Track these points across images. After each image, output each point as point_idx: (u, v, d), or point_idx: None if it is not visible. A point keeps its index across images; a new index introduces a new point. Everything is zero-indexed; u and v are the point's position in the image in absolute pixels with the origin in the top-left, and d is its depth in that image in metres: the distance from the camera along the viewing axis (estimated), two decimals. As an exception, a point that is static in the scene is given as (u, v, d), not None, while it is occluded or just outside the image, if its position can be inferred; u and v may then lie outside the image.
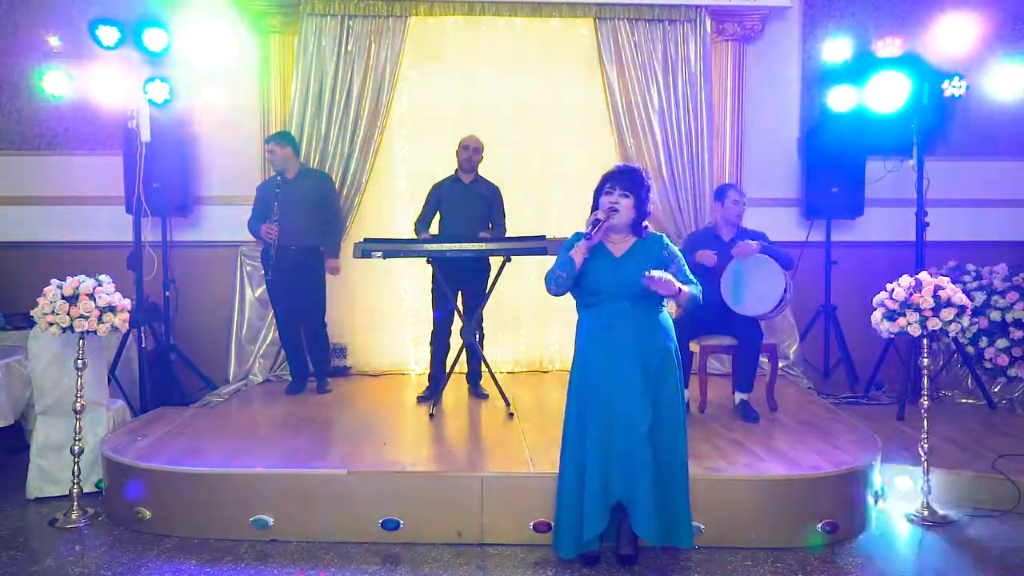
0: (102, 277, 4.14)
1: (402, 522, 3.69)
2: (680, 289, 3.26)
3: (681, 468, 3.40)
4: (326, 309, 5.59)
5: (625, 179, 3.36)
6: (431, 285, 5.28)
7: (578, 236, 3.40)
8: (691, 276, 3.44)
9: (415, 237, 5.27)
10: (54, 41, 5.23)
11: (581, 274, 3.34)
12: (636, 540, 3.42)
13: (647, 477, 3.27)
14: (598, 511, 3.29)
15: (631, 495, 3.29)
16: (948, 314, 3.93)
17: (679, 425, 3.39)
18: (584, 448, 3.33)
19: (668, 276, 3.23)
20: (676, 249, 3.45)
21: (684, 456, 3.42)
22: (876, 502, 4.00)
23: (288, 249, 5.29)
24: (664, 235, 3.51)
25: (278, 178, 5.38)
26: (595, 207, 3.40)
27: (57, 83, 5.18)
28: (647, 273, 3.21)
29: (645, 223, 3.43)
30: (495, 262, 5.04)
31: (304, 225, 5.33)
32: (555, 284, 3.36)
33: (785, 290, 4.72)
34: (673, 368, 3.40)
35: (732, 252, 4.73)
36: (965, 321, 3.97)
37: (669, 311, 3.53)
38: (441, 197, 5.33)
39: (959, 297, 3.96)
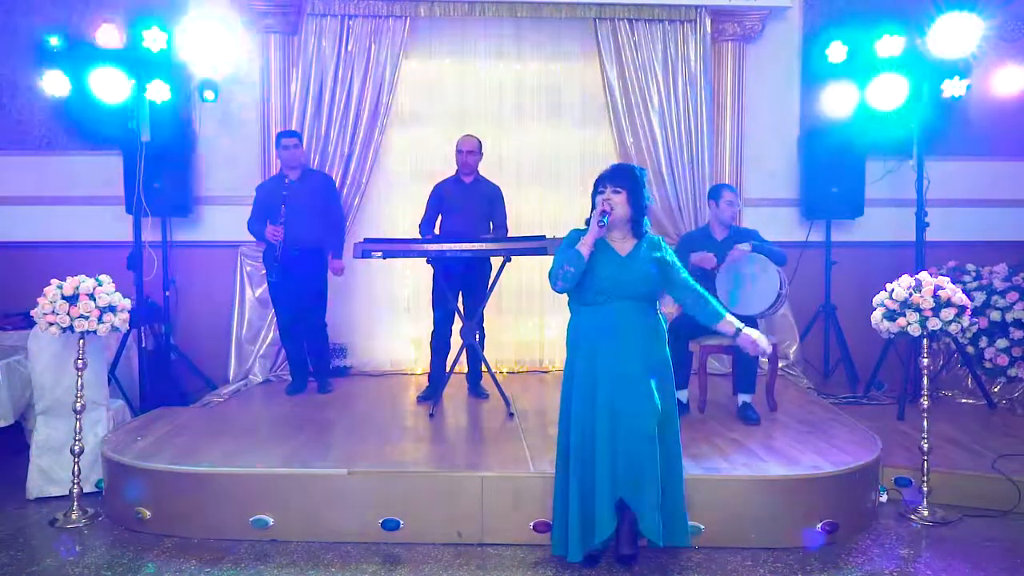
0: (102, 277, 4.14)
1: (402, 522, 3.69)
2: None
3: (678, 467, 3.42)
4: (327, 309, 5.60)
5: (615, 176, 3.39)
6: (431, 285, 5.28)
7: (576, 232, 3.41)
8: (689, 277, 3.47)
9: (418, 238, 5.27)
10: (54, 41, 5.22)
11: (587, 272, 3.34)
12: (636, 540, 3.42)
13: (654, 478, 3.27)
14: (609, 512, 3.28)
15: (637, 496, 3.28)
16: (948, 314, 3.93)
17: (676, 424, 3.42)
18: (592, 448, 3.32)
19: (758, 339, 3.37)
20: (672, 254, 3.48)
21: (680, 455, 3.44)
22: (876, 502, 4.00)
23: (293, 250, 5.29)
24: (663, 238, 3.52)
25: (285, 180, 5.38)
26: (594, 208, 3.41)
27: (57, 83, 5.18)
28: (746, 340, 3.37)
29: (646, 224, 3.43)
30: (495, 262, 5.04)
31: (309, 226, 5.33)
32: (562, 280, 3.35)
33: (780, 286, 4.72)
34: (669, 369, 3.43)
35: (727, 260, 4.72)
36: (965, 321, 3.97)
37: (665, 312, 3.56)
38: (443, 197, 5.32)
39: (959, 297, 3.96)
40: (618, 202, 3.35)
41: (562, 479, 3.44)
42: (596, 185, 3.43)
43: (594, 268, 3.35)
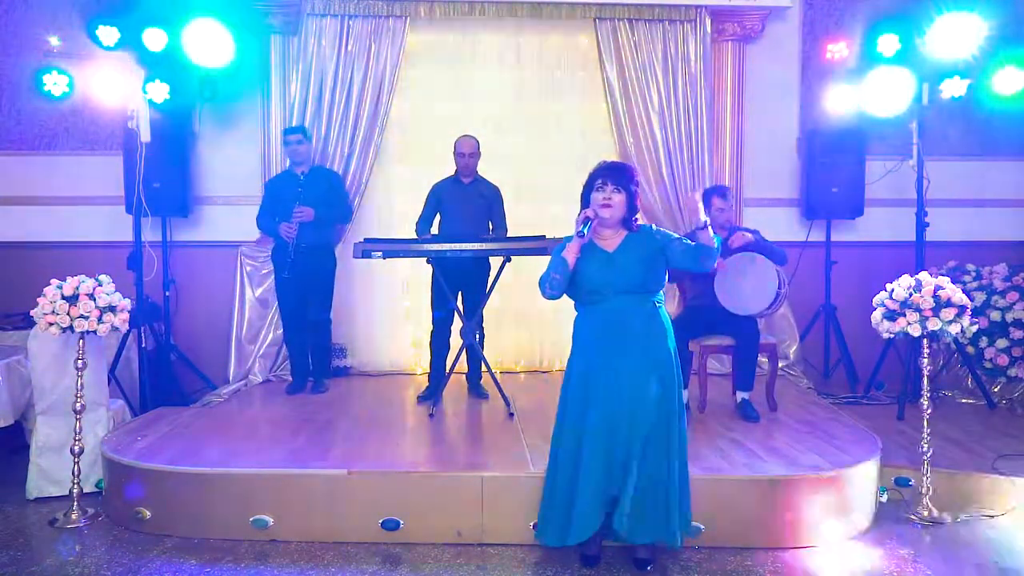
0: (102, 277, 4.14)
1: (402, 522, 3.69)
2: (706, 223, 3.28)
3: (680, 466, 3.37)
4: (332, 306, 5.59)
5: (616, 175, 3.35)
6: (431, 285, 5.29)
7: (569, 239, 3.39)
8: (686, 241, 3.41)
9: (416, 237, 5.27)
10: (54, 41, 5.23)
11: (575, 274, 3.33)
12: (601, 542, 3.45)
13: (637, 475, 3.25)
14: (594, 512, 3.27)
15: (623, 492, 3.27)
16: (948, 314, 3.93)
17: (681, 421, 3.38)
18: (581, 445, 3.31)
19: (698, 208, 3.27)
20: (664, 233, 3.44)
21: (684, 454, 3.41)
22: (876, 502, 4.00)
23: (301, 247, 5.28)
24: (652, 225, 3.50)
25: (299, 176, 5.37)
26: (584, 205, 3.39)
27: (57, 83, 5.19)
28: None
29: (636, 217, 3.41)
30: (495, 262, 5.04)
31: (318, 223, 5.33)
32: (550, 287, 3.35)
33: (779, 286, 4.72)
34: (672, 366, 3.39)
35: (728, 243, 4.73)
36: (965, 321, 3.96)
37: (667, 309, 3.53)
38: (441, 197, 5.32)
39: (959, 297, 3.96)
40: (618, 201, 3.32)
41: (551, 473, 3.45)
42: (592, 180, 3.38)
43: (582, 269, 3.33)
